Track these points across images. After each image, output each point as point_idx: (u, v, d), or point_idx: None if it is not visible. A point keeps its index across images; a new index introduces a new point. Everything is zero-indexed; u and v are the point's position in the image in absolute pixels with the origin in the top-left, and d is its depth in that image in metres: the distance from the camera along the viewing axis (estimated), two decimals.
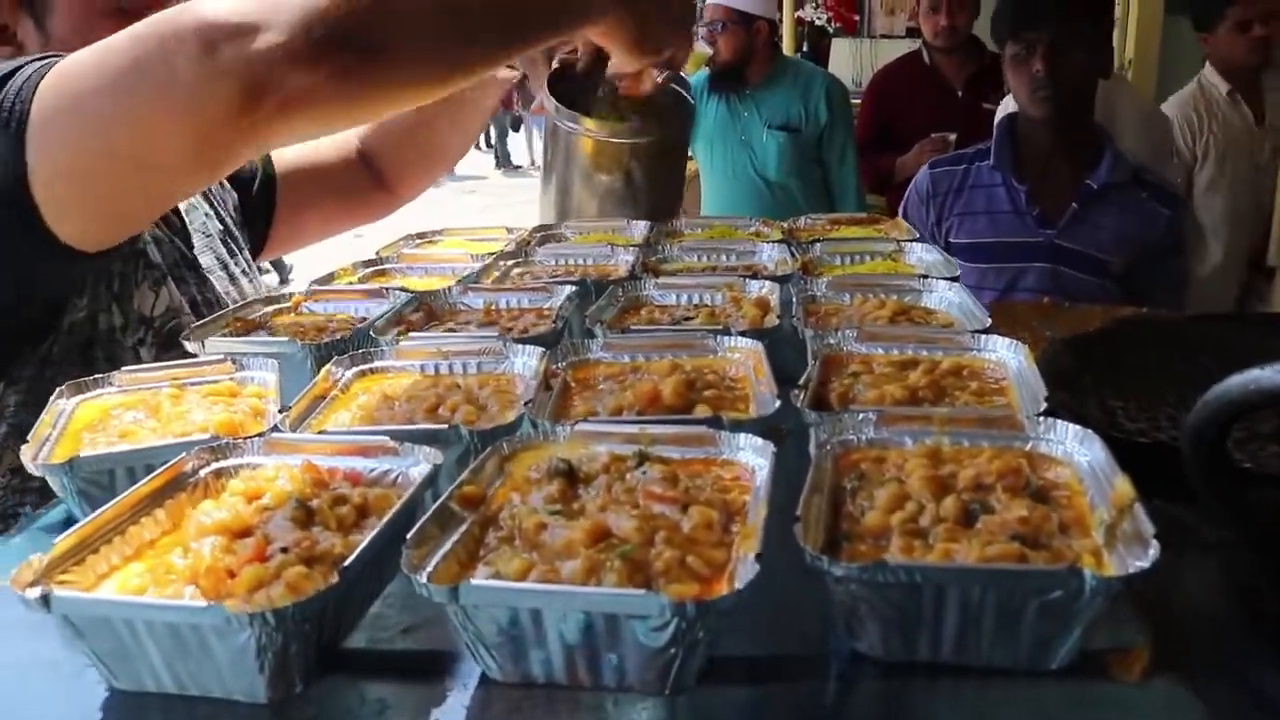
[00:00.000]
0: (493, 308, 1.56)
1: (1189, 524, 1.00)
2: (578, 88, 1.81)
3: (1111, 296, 2.51)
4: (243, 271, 1.78)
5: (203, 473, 0.97)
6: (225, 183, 1.83)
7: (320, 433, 1.03)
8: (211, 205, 1.77)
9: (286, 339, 1.36)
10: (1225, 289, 4.05)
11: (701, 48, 4.32)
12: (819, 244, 1.80)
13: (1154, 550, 0.73)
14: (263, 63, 1.05)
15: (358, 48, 1.08)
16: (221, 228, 1.77)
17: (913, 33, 7.55)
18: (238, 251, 1.80)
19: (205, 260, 1.68)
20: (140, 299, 1.49)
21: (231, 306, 1.65)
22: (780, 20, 6.83)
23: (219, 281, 1.69)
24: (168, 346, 1.49)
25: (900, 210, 2.85)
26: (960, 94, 4.26)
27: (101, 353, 1.43)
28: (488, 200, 14.94)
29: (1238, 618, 0.95)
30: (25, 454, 1.04)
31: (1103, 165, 2.55)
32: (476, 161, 18.42)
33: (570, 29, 1.36)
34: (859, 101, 4.97)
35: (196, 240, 1.69)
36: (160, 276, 1.54)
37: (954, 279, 1.51)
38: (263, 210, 1.89)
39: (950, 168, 2.74)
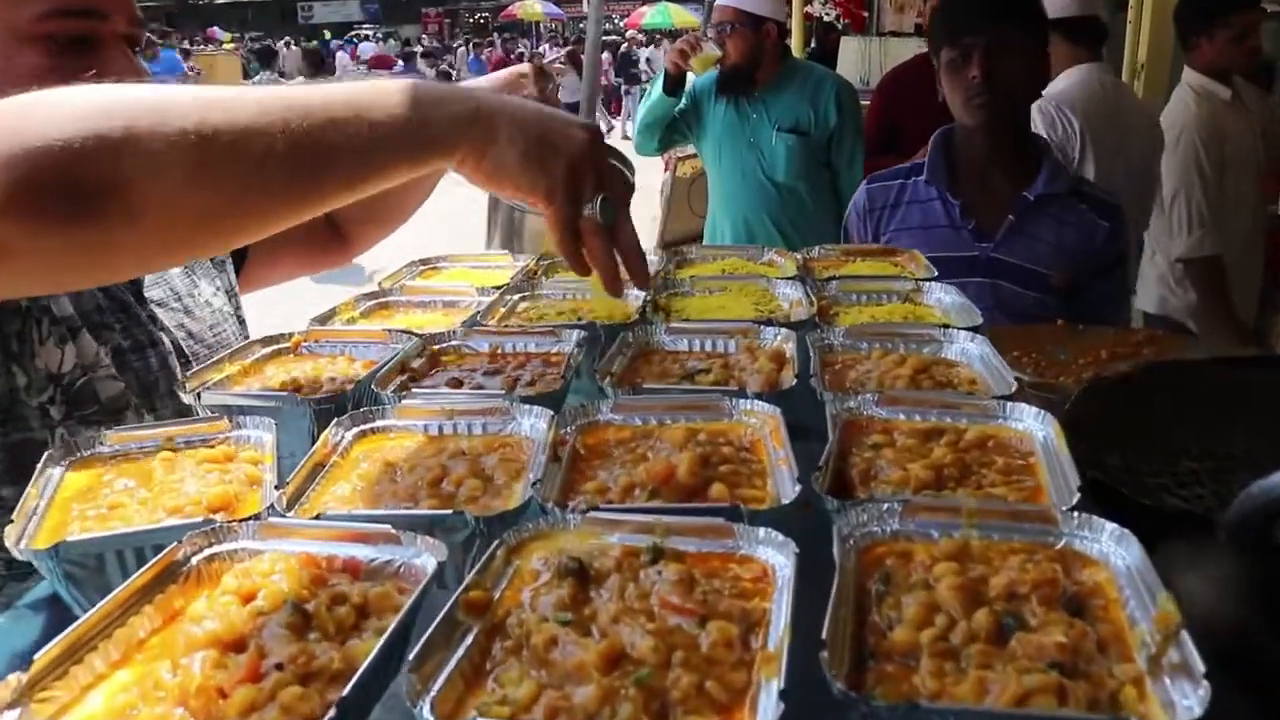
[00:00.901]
0: (499, 351, 1.52)
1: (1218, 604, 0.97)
2: None
3: (1051, 313, 2.44)
4: (206, 302, 1.69)
5: (195, 560, 0.93)
6: None
7: (317, 517, 0.98)
8: None
9: (285, 393, 1.31)
10: (1243, 302, 4.00)
11: (710, 49, 4.26)
12: (834, 281, 1.75)
13: (1204, 690, 0.68)
14: None
15: (81, 196, 0.87)
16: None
17: (921, 30, 7.47)
18: (202, 280, 1.70)
19: (156, 293, 1.60)
20: (45, 356, 1.39)
21: (181, 340, 1.57)
22: (789, 17, 6.76)
23: (169, 315, 1.59)
24: (79, 403, 1.41)
25: (842, 228, 2.79)
26: None
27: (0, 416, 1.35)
28: None
29: None
30: (9, 534, 0.99)
31: (1040, 177, 2.47)
32: None
33: (400, 169, 1.07)
34: (868, 102, 4.90)
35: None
36: (68, 331, 1.43)
37: (975, 329, 1.47)
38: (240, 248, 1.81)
39: (886, 183, 2.66)
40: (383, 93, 1.04)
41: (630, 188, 1.26)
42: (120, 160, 0.88)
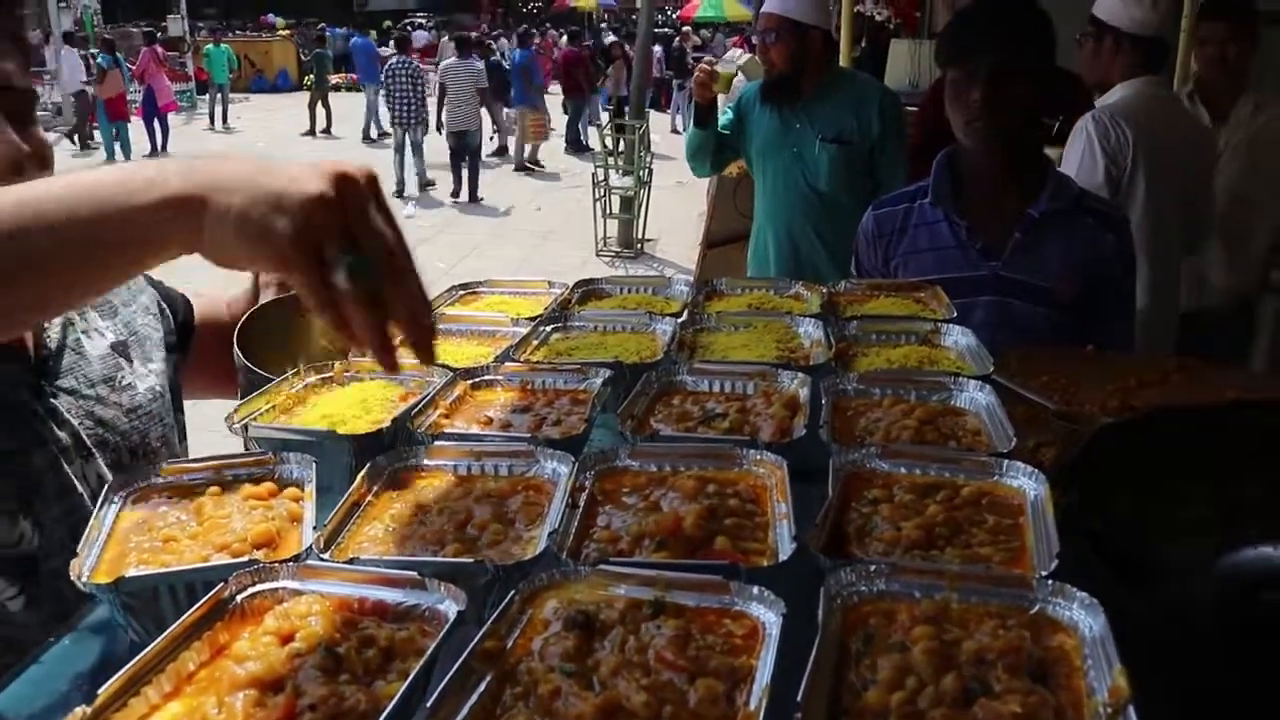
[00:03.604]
0: (528, 387, 1.60)
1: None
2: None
3: (1061, 329, 2.45)
4: (130, 384, 1.55)
5: (240, 598, 1.02)
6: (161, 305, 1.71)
7: (351, 561, 1.07)
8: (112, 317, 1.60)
9: (326, 430, 1.40)
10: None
11: (726, 66, 4.32)
12: (855, 322, 1.81)
13: None
14: None
15: None
16: (110, 342, 1.56)
17: None
18: (136, 360, 1.59)
19: (68, 381, 1.46)
20: None
21: (86, 431, 1.45)
22: (838, 14, 6.72)
23: (78, 404, 1.45)
24: None
25: (853, 256, 2.82)
26: None
27: None
28: (543, 185, 15.45)
29: None
30: (73, 567, 1.09)
31: (1044, 193, 2.47)
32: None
33: (113, 272, 1.07)
34: (915, 108, 4.91)
35: (67, 358, 1.48)
36: None
37: (985, 378, 1.53)
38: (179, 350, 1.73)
39: (892, 208, 2.67)
40: (92, 188, 1.00)
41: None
42: None
